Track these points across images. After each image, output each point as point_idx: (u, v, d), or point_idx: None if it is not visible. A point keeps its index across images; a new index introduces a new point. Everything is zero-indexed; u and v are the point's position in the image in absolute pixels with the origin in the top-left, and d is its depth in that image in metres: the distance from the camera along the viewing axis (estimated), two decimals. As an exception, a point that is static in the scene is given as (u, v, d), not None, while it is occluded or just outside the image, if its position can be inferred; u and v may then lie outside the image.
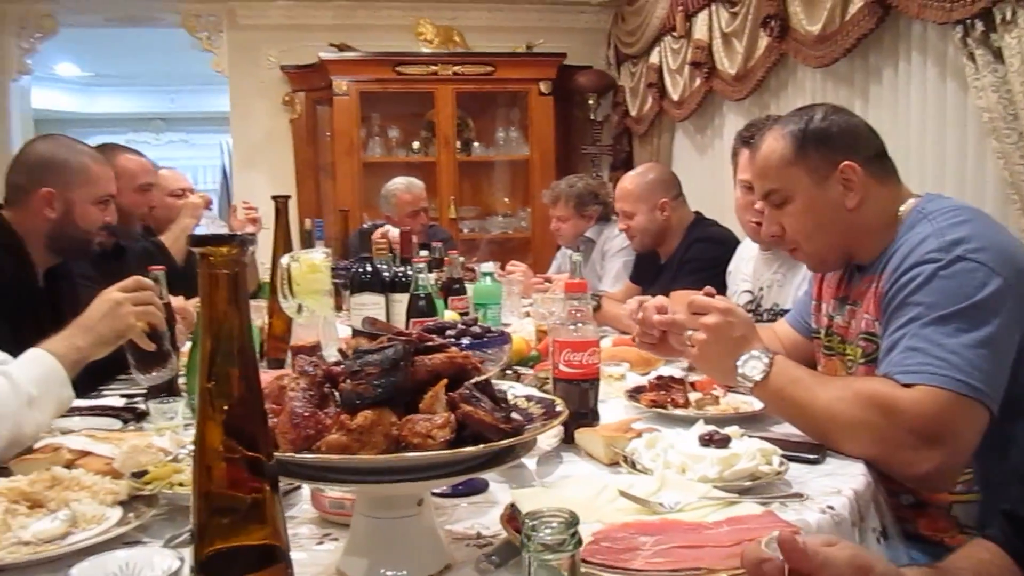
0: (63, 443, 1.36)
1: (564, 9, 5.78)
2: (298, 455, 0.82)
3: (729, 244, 2.71)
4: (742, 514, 1.09)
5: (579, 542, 0.53)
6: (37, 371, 1.44)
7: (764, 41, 3.71)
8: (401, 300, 2.19)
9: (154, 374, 1.66)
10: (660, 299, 1.78)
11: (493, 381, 0.98)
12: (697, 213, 3.17)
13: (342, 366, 0.97)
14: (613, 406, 1.73)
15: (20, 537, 1.05)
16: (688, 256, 2.96)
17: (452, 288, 2.42)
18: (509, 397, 1.02)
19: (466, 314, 2.39)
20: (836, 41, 3.13)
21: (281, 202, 2.31)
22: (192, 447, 1.34)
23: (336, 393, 0.96)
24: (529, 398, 1.05)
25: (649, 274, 3.24)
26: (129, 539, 1.09)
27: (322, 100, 5.49)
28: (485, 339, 1.31)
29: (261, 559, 0.73)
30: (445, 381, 0.88)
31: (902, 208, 1.60)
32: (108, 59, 7.78)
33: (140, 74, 8.52)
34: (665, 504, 1.11)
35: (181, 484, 1.18)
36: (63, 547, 1.04)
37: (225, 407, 0.71)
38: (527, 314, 2.82)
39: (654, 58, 5.02)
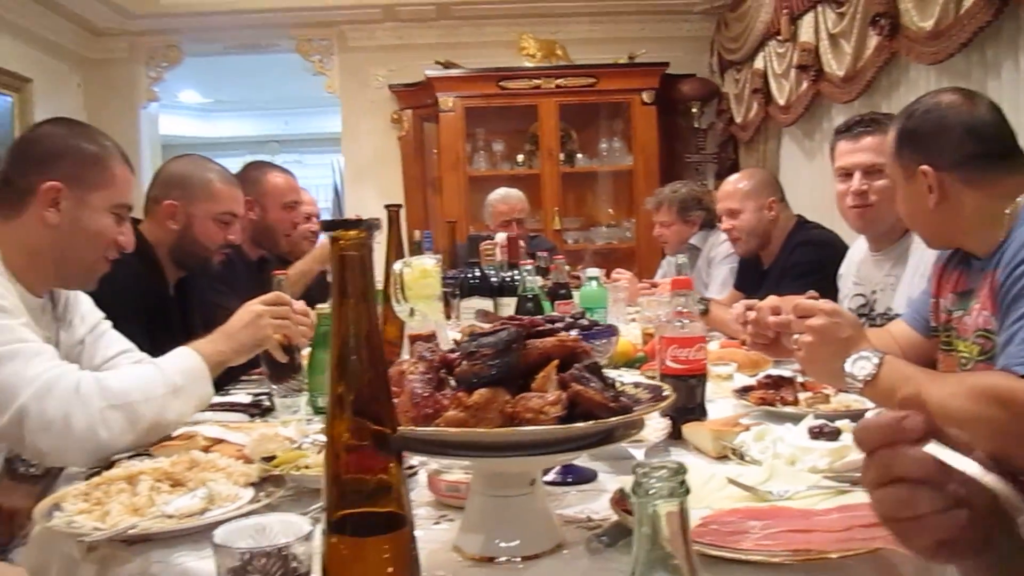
0: (199, 431, 1.46)
1: (666, 18, 5.77)
2: (419, 429, 0.87)
3: (833, 247, 2.65)
4: (853, 502, 1.08)
5: (687, 490, 0.55)
6: (184, 364, 1.55)
7: (873, 40, 3.62)
8: (509, 304, 2.25)
9: (284, 384, 1.77)
10: (773, 299, 1.77)
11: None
12: (799, 216, 3.11)
13: (457, 352, 1.02)
14: (721, 405, 1.73)
15: (164, 511, 1.14)
16: (792, 260, 2.90)
17: (558, 293, 2.45)
18: (617, 384, 1.05)
19: (572, 317, 2.43)
20: (951, 36, 3.03)
21: (394, 211, 2.39)
22: (316, 436, 1.42)
23: (451, 378, 1.02)
24: (637, 384, 1.07)
25: (752, 280, 3.20)
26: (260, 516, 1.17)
27: (429, 117, 5.65)
28: (593, 330, 1.34)
29: (387, 524, 0.78)
30: (556, 362, 0.92)
31: (1016, 203, 1.56)
32: (227, 85, 8.20)
33: (256, 99, 8.95)
34: (774, 492, 1.12)
35: (307, 467, 1.25)
36: (202, 520, 1.12)
37: (355, 384, 0.76)
38: (632, 320, 2.83)
39: (758, 63, 4.95)
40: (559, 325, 1.35)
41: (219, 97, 8.86)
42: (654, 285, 3.32)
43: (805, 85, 4.35)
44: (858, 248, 2.53)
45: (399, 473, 0.78)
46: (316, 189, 9.71)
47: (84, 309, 1.77)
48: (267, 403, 1.84)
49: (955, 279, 1.75)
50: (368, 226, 0.76)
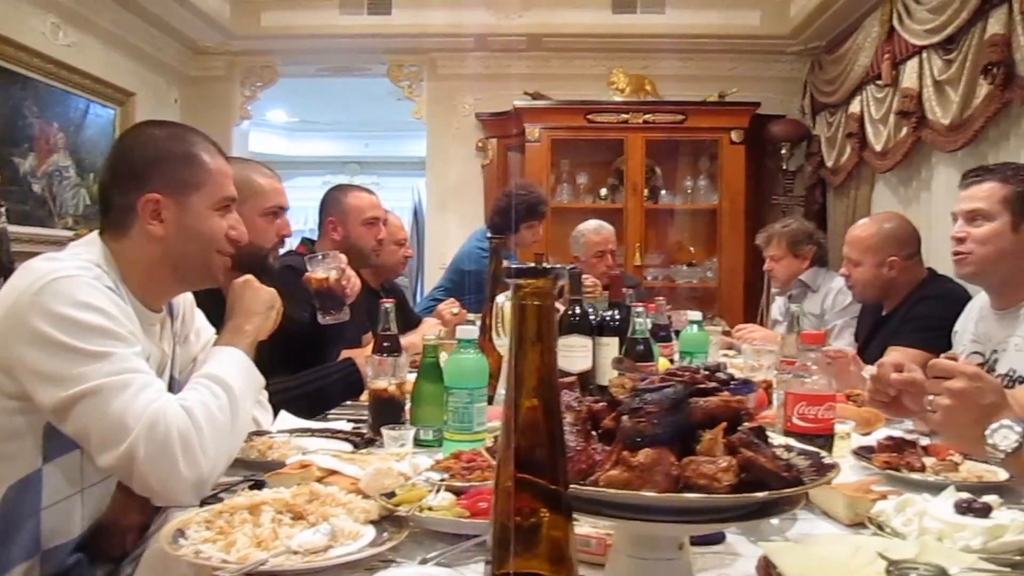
0: (313, 461, 1.44)
1: (758, 58, 5.71)
2: (581, 488, 0.83)
3: (961, 303, 2.54)
4: (1020, 590, 1.01)
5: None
6: (235, 364, 1.53)
7: (984, 89, 3.50)
8: (608, 343, 2.19)
9: (331, 316, 2.21)
10: (897, 357, 1.70)
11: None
12: (930, 270, 3.00)
13: (602, 403, 0.98)
14: (841, 466, 1.65)
15: (288, 546, 1.12)
16: (913, 314, 2.79)
17: (658, 335, 2.40)
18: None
19: (672, 361, 2.37)
20: (1071, 89, 2.92)
21: (497, 242, 2.39)
22: (429, 474, 1.39)
23: (595, 431, 0.98)
24: (788, 448, 1.02)
25: (869, 327, 3.09)
26: (384, 558, 1.14)
27: (514, 146, 5.66)
28: (731, 386, 1.29)
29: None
30: (724, 424, 0.87)
31: None
32: (313, 105, 8.36)
33: (340, 120, 9.12)
34: (931, 572, 1.05)
35: (430, 508, 1.22)
36: (329, 559, 1.10)
37: (530, 439, 0.73)
38: (725, 365, 2.76)
39: (854, 107, 4.85)
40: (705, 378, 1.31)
41: (304, 117, 9.04)
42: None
43: (905, 131, 4.24)
44: (979, 303, 2.42)
45: (570, 533, 0.74)
46: (394, 211, 9.84)
47: (200, 324, 1.78)
48: (369, 433, 1.83)
49: None
50: (555, 275, 0.73)
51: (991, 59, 3.35)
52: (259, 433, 1.75)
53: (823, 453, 0.99)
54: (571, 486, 0.86)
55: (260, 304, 1.69)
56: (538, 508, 0.74)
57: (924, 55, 4.03)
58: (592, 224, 4.43)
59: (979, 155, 3.78)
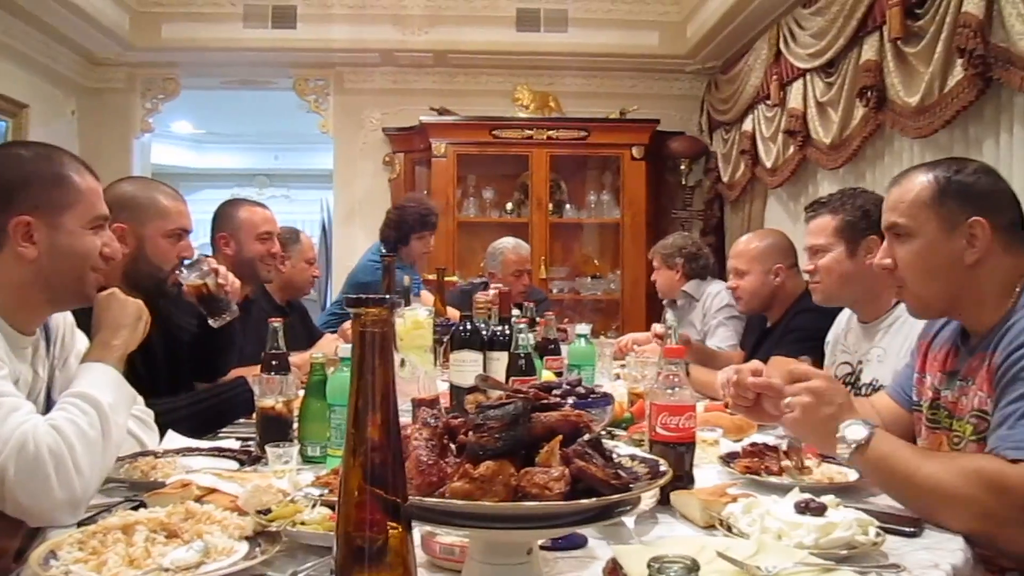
0: (193, 480, 1.46)
1: (658, 76, 5.90)
2: (427, 499, 0.89)
3: (835, 315, 2.71)
4: (840, 582, 1.11)
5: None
6: (103, 380, 1.55)
7: (860, 111, 3.72)
8: (498, 358, 2.27)
9: (220, 318, 2.22)
10: (756, 363, 1.81)
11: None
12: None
13: (460, 419, 1.05)
14: (707, 471, 1.76)
15: (160, 564, 1.15)
16: (793, 325, 2.95)
17: (547, 348, 2.48)
18: (614, 456, 1.07)
19: (560, 374, 2.45)
20: (935, 112, 3.13)
21: (388, 259, 2.44)
22: (308, 490, 1.43)
23: (452, 445, 1.04)
24: (633, 457, 1.10)
25: (754, 338, 3.25)
26: (256, 572, 1.18)
27: (421, 161, 5.71)
28: (590, 399, 1.38)
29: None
30: (560, 438, 0.94)
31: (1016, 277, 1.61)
32: (219, 117, 8.25)
33: (248, 132, 9.01)
34: (763, 568, 1.14)
35: (303, 523, 1.27)
36: (198, 575, 1.13)
37: (370, 455, 0.79)
38: (617, 376, 2.86)
39: (747, 125, 5.07)
40: (556, 392, 1.39)
41: (211, 128, 8.90)
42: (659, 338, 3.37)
43: (792, 149, 4.46)
44: (847, 315, 2.58)
45: (408, 542, 0.80)
46: (302, 224, 9.75)
47: (80, 347, 1.77)
48: (256, 451, 1.85)
49: (943, 358, 1.77)
50: (391, 303, 0.79)
51: (865, 83, 3.57)
52: (144, 454, 1.76)
53: (661, 461, 1.07)
54: (422, 498, 0.92)
55: (127, 316, 1.70)
56: (379, 520, 0.79)
57: (808, 77, 4.26)
58: (510, 242, 4.48)
59: (858, 172, 4.02)
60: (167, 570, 1.14)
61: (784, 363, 2.70)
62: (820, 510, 1.32)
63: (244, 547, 1.23)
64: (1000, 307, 1.61)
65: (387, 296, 0.79)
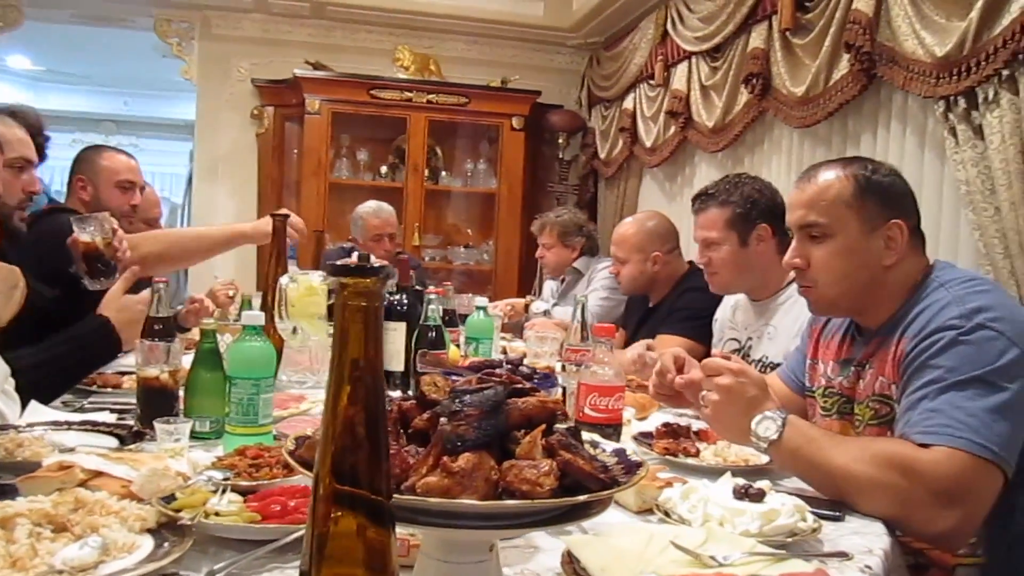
0: (75, 461, 1.28)
1: (540, 48, 5.84)
2: (400, 496, 0.78)
3: (719, 295, 2.76)
4: (795, 571, 1.09)
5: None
6: None
7: (744, 97, 3.79)
8: (396, 328, 2.15)
9: (101, 281, 2.10)
10: (678, 351, 1.78)
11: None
12: (691, 263, 3.22)
13: (411, 402, 0.95)
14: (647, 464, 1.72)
15: (52, 564, 0.98)
16: (679, 304, 3.00)
17: (446, 321, 2.39)
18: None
19: (458, 346, 2.36)
20: (819, 104, 3.21)
21: (279, 221, 2.27)
22: (211, 473, 1.29)
23: (403, 430, 0.94)
24: (594, 444, 1.03)
25: (637, 317, 3.27)
26: (165, 571, 1.03)
27: (292, 117, 5.43)
28: (535, 380, 1.29)
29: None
30: (543, 427, 0.86)
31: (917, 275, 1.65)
32: (64, 55, 7.57)
33: (95, 74, 8.32)
34: (717, 557, 1.11)
35: (216, 513, 1.13)
36: (99, 576, 0.98)
37: (352, 449, 0.68)
38: (504, 350, 2.81)
39: (628, 103, 5.09)
40: (500, 373, 1.30)
41: (53, 67, 8.15)
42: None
43: (673, 130, 4.51)
44: (734, 296, 2.62)
45: (392, 544, 0.70)
46: (154, 177, 9.16)
47: None
48: (137, 426, 1.67)
49: (836, 346, 1.80)
50: (385, 275, 0.68)
51: (751, 70, 3.63)
52: (3, 428, 1.55)
53: (628, 450, 1.01)
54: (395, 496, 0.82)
55: (0, 284, 1.50)
56: (361, 522, 0.69)
57: (693, 60, 4.30)
58: (372, 206, 4.35)
59: (736, 157, 4.11)
60: (60, 572, 0.98)
61: (670, 341, 2.75)
62: (759, 496, 1.30)
63: (148, 541, 1.08)
64: (896, 300, 1.64)
65: (378, 266, 0.67)
